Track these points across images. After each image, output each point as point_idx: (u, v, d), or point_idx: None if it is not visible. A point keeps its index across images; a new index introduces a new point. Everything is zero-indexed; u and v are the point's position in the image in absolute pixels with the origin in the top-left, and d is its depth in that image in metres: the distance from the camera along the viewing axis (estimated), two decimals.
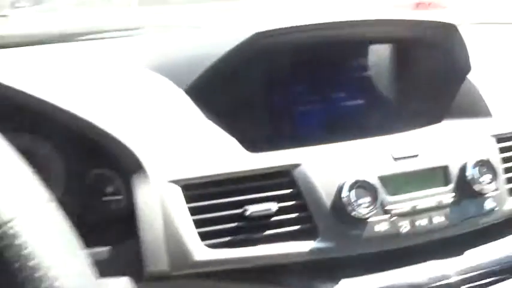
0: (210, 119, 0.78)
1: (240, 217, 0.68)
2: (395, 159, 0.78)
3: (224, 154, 0.73)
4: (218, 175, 0.70)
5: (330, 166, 0.75)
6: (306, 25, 0.83)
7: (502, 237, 0.85)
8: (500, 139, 0.86)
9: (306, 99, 0.99)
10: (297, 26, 0.82)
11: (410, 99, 1.06)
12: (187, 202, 0.66)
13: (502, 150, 0.86)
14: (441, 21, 0.94)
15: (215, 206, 0.68)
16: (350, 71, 1.04)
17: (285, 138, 0.87)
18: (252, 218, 0.68)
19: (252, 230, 0.68)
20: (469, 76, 1.00)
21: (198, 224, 0.65)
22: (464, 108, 0.98)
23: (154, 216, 0.63)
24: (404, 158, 0.79)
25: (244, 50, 0.81)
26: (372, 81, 1.06)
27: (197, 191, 0.67)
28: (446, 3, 1.71)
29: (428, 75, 1.05)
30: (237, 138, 0.78)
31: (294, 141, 0.81)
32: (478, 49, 1.11)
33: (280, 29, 0.81)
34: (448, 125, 0.94)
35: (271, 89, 0.96)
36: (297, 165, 0.73)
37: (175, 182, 0.66)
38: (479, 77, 0.99)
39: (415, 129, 0.93)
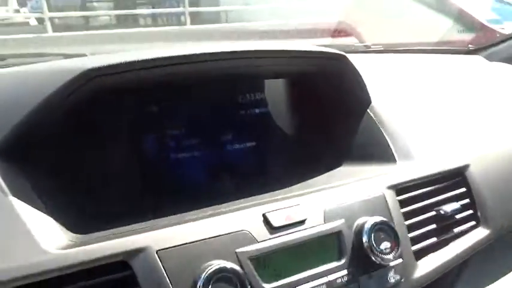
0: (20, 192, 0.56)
1: None
2: (274, 228, 0.60)
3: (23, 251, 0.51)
4: None
5: (183, 251, 0.55)
6: (149, 59, 0.64)
7: None
8: (400, 190, 0.72)
9: (167, 146, 0.80)
10: (137, 62, 0.63)
11: (306, 140, 0.91)
12: None
13: (403, 203, 0.71)
14: (329, 51, 0.80)
15: None
16: (232, 110, 0.87)
17: (132, 208, 0.67)
18: None
19: None
20: (370, 110, 0.87)
21: None
22: (363, 149, 0.84)
23: None
24: (286, 226, 0.61)
25: (74, 92, 0.61)
26: (260, 122, 0.90)
27: None
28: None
29: (324, 112, 0.91)
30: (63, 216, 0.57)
31: (141, 214, 0.62)
32: (379, 79, 1.00)
33: (115, 65, 0.61)
34: (343, 174, 0.79)
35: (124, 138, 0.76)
36: (134, 253, 0.53)
37: None
38: (380, 111, 0.86)
39: (304, 181, 0.77)
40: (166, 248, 0.54)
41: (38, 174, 0.64)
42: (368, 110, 0.87)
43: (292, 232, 0.61)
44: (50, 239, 0.53)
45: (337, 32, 1.73)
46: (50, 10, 5.21)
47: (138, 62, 0.63)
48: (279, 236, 0.60)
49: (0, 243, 0.50)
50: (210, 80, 0.81)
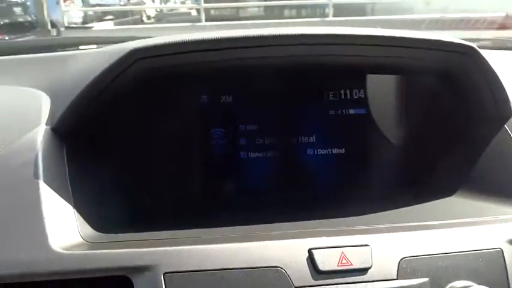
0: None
1: None
2: (319, 273, 0.45)
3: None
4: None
5: (193, 278, 0.44)
6: (210, 39, 0.54)
7: None
8: None
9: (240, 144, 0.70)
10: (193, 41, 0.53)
11: (409, 155, 0.71)
12: None
13: None
14: (453, 41, 0.59)
15: None
16: (319, 108, 0.72)
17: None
18: None
19: None
20: (508, 126, 0.63)
21: None
22: (486, 178, 0.61)
23: None
24: (337, 273, 0.45)
25: (121, 73, 0.55)
26: (355, 125, 0.73)
27: None
28: None
29: (439, 122, 0.70)
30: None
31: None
32: None
33: (159, 46, 0.53)
34: (448, 209, 0.58)
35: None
36: (138, 271, 0.44)
37: None
38: None
39: (391, 209, 0.59)
40: (175, 272, 0.44)
41: (92, 158, 0.61)
42: (506, 126, 0.63)
43: (344, 283, 0.45)
44: (60, 235, 0.47)
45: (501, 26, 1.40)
46: (207, 2, 5.60)
47: (185, 43, 0.54)
48: (324, 286, 0.44)
49: (5, 230, 0.46)
50: (288, 69, 0.68)
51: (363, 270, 0.45)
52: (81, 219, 0.51)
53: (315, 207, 0.60)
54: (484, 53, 0.59)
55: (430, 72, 0.67)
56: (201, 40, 0.55)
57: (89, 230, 0.51)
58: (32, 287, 0.44)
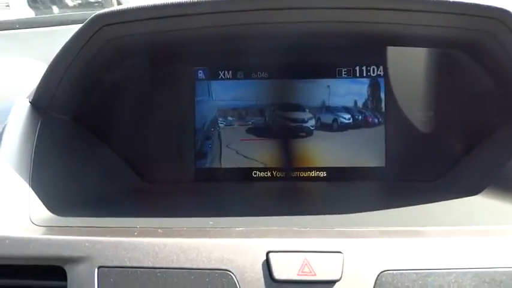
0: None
1: None
2: (274, 281, 0.38)
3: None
4: None
5: (126, 275, 0.39)
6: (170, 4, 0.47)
7: None
8: None
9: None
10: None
11: (430, 143, 0.61)
12: None
13: None
14: (483, 3, 0.46)
15: None
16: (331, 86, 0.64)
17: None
18: None
19: None
20: None
21: None
22: None
23: None
24: (294, 283, 0.38)
25: (88, 41, 0.50)
26: (371, 104, 0.64)
27: None
28: None
29: (469, 107, 0.58)
30: None
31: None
32: None
33: (125, 10, 0.47)
34: (462, 210, 0.48)
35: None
36: (72, 262, 0.40)
37: None
38: None
39: (391, 207, 0.49)
40: (111, 267, 0.39)
41: (68, 136, 0.58)
42: None
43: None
44: (6, 215, 0.44)
45: None
46: None
47: (155, 7, 0.47)
48: None
49: None
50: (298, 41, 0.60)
51: (328, 283, 0.37)
52: (38, 200, 0.47)
53: (302, 199, 0.53)
54: None
55: (456, 44, 0.55)
56: (176, 3, 0.48)
57: (43, 213, 0.47)
58: None
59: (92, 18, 0.48)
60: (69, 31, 0.80)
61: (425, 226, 0.43)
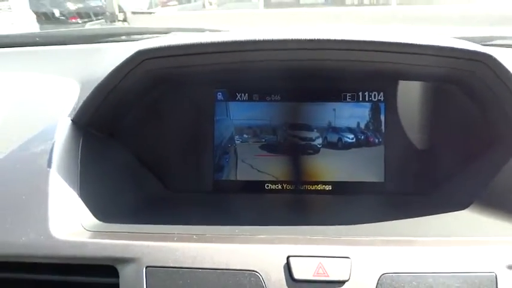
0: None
1: None
2: (294, 280, 0.46)
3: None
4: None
5: (172, 275, 0.47)
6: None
7: None
8: None
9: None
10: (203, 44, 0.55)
11: (426, 163, 0.68)
12: None
13: None
14: (469, 48, 0.55)
15: None
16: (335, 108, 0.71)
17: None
18: None
19: None
20: None
21: None
22: (500, 195, 0.57)
23: None
24: (312, 283, 0.45)
25: (129, 72, 0.58)
26: (371, 126, 0.71)
27: None
28: None
29: (461, 130, 0.66)
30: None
31: None
32: None
33: (163, 48, 0.55)
34: (452, 225, 0.56)
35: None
36: (123, 262, 0.48)
37: None
38: None
39: (389, 219, 0.57)
40: (157, 267, 0.47)
41: (106, 150, 0.65)
42: None
43: None
44: (62, 222, 0.51)
45: None
46: None
47: (187, 46, 0.55)
48: None
49: (12, 214, 0.51)
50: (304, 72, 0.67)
51: (339, 283, 0.45)
52: (86, 208, 0.55)
53: (310, 210, 0.60)
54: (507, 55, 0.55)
55: (448, 79, 0.63)
56: (205, 43, 0.56)
57: (91, 220, 0.54)
58: (29, 267, 0.48)
59: (135, 53, 0.56)
60: (98, 51, 0.86)
61: (419, 236, 0.51)
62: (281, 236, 0.50)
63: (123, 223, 0.55)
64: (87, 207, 0.55)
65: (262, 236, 0.50)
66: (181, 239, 0.49)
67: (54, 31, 1.50)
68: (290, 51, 0.57)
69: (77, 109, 0.60)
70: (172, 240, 0.48)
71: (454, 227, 0.57)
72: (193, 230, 0.52)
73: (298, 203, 0.71)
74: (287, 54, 0.58)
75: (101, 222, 0.54)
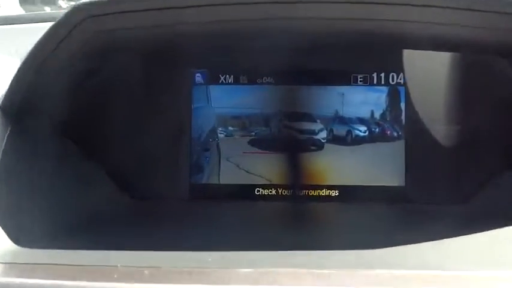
0: None
1: None
2: None
3: None
4: None
5: None
6: None
7: None
8: None
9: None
10: None
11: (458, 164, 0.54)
12: None
13: None
14: None
15: None
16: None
17: None
18: None
19: None
20: None
21: None
22: None
23: None
24: None
25: (64, 39, 0.43)
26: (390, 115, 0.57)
27: None
28: None
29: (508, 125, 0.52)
30: None
31: None
32: None
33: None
34: (482, 246, 0.41)
35: None
36: None
37: None
38: None
39: (399, 240, 0.42)
40: None
41: (43, 146, 0.50)
42: None
43: None
44: None
45: None
46: None
47: None
48: None
49: None
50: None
51: None
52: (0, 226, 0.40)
53: (313, 224, 0.46)
54: None
55: (491, 49, 0.49)
56: None
57: (6, 243, 0.39)
58: None
59: (73, 8, 0.40)
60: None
61: (451, 270, 0.35)
62: (273, 269, 0.34)
63: (55, 247, 0.39)
64: (4, 224, 0.39)
65: (246, 270, 0.34)
66: (124, 276, 0.33)
67: (26, 14, 1.37)
68: (287, 6, 0.42)
69: (4, 93, 0.46)
70: (111, 279, 0.33)
71: (505, 251, 0.42)
72: (147, 260, 0.37)
73: (296, 213, 0.57)
74: (285, 9, 0.43)
75: (20, 248, 0.39)
